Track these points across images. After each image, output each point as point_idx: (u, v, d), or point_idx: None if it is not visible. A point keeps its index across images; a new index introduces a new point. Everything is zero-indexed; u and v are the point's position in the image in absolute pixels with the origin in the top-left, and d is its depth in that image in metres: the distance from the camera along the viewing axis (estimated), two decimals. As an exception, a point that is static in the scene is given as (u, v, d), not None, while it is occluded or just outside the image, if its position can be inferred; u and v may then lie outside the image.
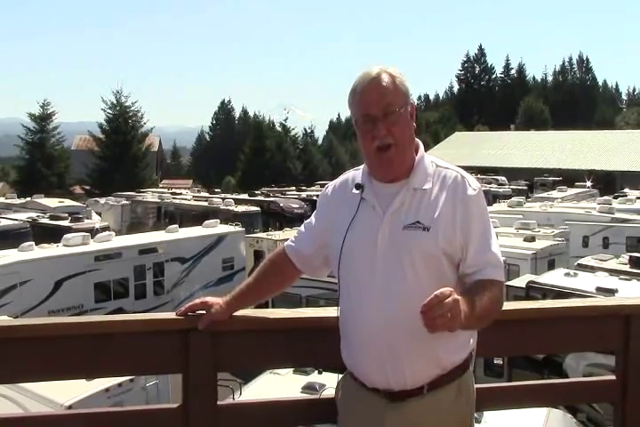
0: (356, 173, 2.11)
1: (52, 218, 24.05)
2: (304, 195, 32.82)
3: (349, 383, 2.02)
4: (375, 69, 1.95)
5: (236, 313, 2.08)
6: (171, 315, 2.03)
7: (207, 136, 78.06)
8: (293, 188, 38.46)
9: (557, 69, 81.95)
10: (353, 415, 2.02)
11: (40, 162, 45.99)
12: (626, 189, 29.87)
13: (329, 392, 2.16)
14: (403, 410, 1.91)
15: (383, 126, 1.91)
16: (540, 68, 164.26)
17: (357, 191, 2.01)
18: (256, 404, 2.19)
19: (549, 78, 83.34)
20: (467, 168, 2.11)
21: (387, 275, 1.90)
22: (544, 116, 68.35)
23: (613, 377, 2.32)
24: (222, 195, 33.71)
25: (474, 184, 1.95)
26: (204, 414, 1.99)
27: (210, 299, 2.07)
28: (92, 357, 1.92)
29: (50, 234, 20.08)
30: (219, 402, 2.04)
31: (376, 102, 1.92)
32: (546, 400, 2.58)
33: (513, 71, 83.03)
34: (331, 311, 2.09)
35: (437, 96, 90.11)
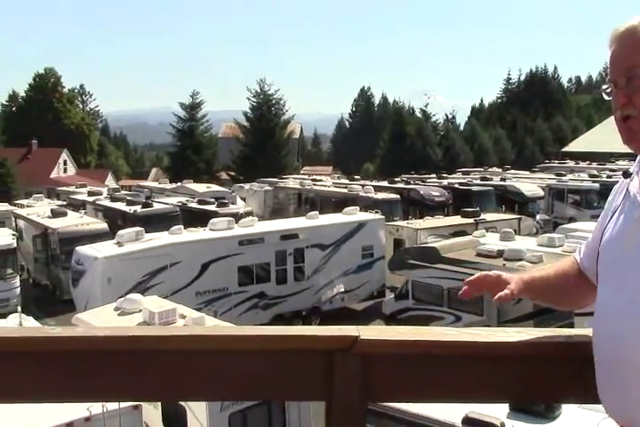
0: None
1: (199, 202, 25.15)
2: (445, 182, 31.94)
3: None
4: (632, 21, 1.49)
5: (391, 332, 1.71)
6: (314, 330, 1.69)
7: (347, 123, 78.55)
8: (434, 175, 37.58)
9: None
10: None
11: (190, 149, 48.45)
12: None
13: None
14: None
15: (622, 94, 1.48)
16: None
17: (626, 180, 1.61)
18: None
19: None
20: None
21: (634, 291, 1.46)
22: None
23: None
24: (362, 182, 33.62)
25: None
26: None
27: (504, 273, 1.75)
28: (210, 376, 1.63)
29: (197, 218, 20.95)
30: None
31: (618, 64, 1.50)
32: None
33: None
34: (510, 335, 1.66)
35: (590, 78, 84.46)
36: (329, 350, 1.62)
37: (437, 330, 1.75)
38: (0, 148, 41.67)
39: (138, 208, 22.93)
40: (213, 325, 8.91)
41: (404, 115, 57.24)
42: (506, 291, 1.66)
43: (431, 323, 15.14)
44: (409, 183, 31.32)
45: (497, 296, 1.65)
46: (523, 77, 71.54)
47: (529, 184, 31.07)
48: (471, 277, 1.70)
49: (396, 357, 1.69)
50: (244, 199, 30.93)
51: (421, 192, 27.93)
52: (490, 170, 41.99)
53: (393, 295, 16.93)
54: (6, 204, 27.83)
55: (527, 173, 39.97)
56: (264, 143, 47.77)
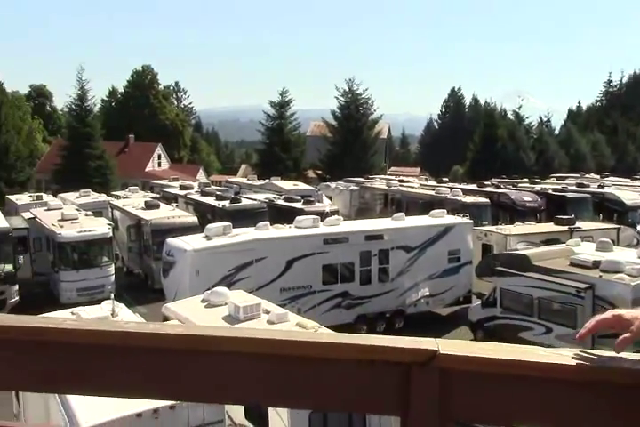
0: None
1: (286, 200, 25.33)
2: (538, 188, 30.80)
3: None
4: None
5: (474, 348, 1.48)
6: (391, 341, 1.50)
7: (436, 124, 77.37)
8: (526, 180, 36.33)
9: None
10: None
11: (278, 146, 49.05)
12: None
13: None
14: None
15: None
16: None
17: None
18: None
19: None
20: None
21: None
22: None
23: None
24: (450, 184, 32.95)
25: None
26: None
27: (624, 312, 1.49)
28: (280, 382, 1.50)
29: (284, 215, 21.09)
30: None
31: None
32: None
33: None
34: (617, 360, 1.39)
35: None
36: (405, 363, 1.45)
37: (528, 349, 1.51)
38: (100, 141, 43.61)
39: (227, 203, 23.37)
40: (295, 330, 8.87)
41: (496, 117, 55.68)
42: (625, 335, 1.40)
43: (519, 333, 14.56)
44: (499, 187, 30.40)
45: (616, 344, 1.39)
46: (625, 80, 68.22)
47: (630, 192, 29.55)
48: (588, 326, 1.43)
49: (478, 375, 1.48)
50: (330, 198, 30.96)
51: (512, 197, 27.03)
52: (587, 176, 40.24)
53: (480, 302, 16.41)
54: (104, 195, 29.11)
55: (628, 180, 38.05)
56: (351, 142, 47.67)
